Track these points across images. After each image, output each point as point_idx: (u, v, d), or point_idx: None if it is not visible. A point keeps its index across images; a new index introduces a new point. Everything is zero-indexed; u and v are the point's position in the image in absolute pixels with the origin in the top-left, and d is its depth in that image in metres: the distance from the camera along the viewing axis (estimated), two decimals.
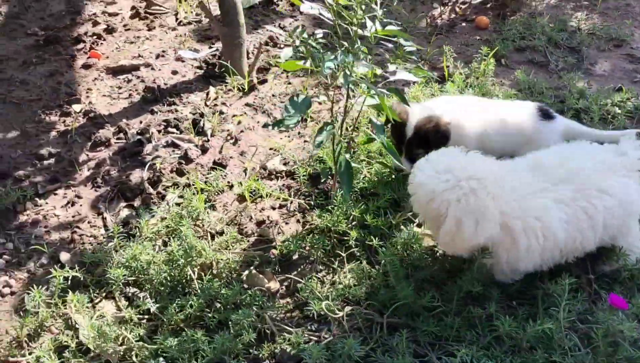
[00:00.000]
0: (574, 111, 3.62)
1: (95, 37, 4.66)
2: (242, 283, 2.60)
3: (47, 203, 3.17)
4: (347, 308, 2.46)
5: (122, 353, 2.30)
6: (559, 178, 2.32)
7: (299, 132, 3.67)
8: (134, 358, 2.28)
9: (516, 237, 2.25)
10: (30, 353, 2.34)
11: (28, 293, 2.52)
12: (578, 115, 3.60)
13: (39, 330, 2.43)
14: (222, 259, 2.69)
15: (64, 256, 2.79)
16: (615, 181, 2.34)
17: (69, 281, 2.57)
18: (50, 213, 3.09)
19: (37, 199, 3.17)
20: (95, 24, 4.87)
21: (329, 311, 2.43)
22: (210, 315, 2.42)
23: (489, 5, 5.14)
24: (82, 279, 2.62)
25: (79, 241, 2.91)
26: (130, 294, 2.56)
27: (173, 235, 2.77)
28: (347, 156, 2.58)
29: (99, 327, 2.25)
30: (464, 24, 4.88)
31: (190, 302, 2.44)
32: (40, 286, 2.53)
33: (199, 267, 2.63)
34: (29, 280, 2.69)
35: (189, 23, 4.91)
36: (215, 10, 4.15)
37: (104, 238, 2.94)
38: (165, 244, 2.80)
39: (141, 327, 2.41)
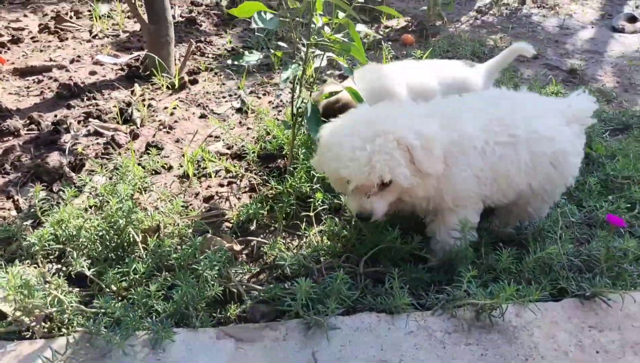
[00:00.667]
0: None
1: None
2: (197, 249, 2.18)
3: None
4: (324, 261, 2.13)
5: (49, 319, 1.78)
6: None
7: (240, 122, 3.39)
8: (66, 324, 1.77)
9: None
10: None
11: None
12: None
13: None
14: (169, 223, 2.27)
15: None
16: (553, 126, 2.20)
17: None
18: None
19: None
20: None
21: (303, 266, 2.09)
22: (161, 279, 1.98)
23: (409, 30, 5.32)
24: None
25: None
26: (55, 260, 2.05)
27: (107, 202, 2.31)
28: (310, 101, 2.35)
29: (19, 287, 1.73)
30: (390, 42, 4.99)
31: (134, 267, 1.99)
32: None
33: (142, 232, 2.19)
34: None
35: (106, 36, 4.58)
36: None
37: (16, 219, 2.40)
38: (99, 209, 2.34)
39: (73, 294, 1.90)
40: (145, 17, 3.75)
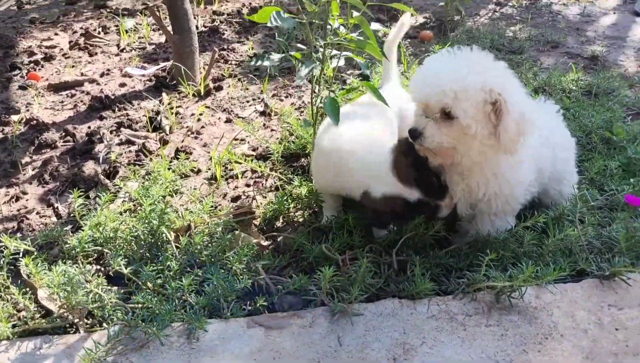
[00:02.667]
0: (532, 89, 3.71)
1: (32, 64, 4.41)
2: (226, 246, 2.29)
3: None
4: (349, 252, 2.21)
5: (91, 314, 1.91)
6: None
7: (264, 125, 3.51)
8: (107, 318, 1.90)
9: None
10: None
11: None
12: (537, 92, 3.69)
13: None
14: (200, 222, 2.39)
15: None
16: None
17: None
18: None
19: None
20: (32, 54, 4.62)
21: (327, 257, 2.17)
22: (193, 274, 2.09)
23: (428, 26, 5.37)
24: (35, 256, 2.22)
25: (28, 228, 2.52)
26: (94, 262, 2.19)
27: (140, 204, 2.44)
28: (329, 94, 2.43)
29: (63, 284, 1.87)
30: (408, 40, 5.04)
31: (168, 264, 2.11)
32: None
33: (174, 232, 2.31)
34: None
35: (133, 50, 4.77)
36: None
37: (57, 225, 2.56)
38: (133, 212, 2.47)
39: (112, 292, 2.04)
40: (170, 28, 3.91)
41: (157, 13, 3.91)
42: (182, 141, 3.28)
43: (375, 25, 2.40)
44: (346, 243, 2.30)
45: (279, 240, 2.40)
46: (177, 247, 2.24)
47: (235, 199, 2.76)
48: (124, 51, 4.74)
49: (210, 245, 2.23)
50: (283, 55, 2.49)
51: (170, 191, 2.69)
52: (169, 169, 2.92)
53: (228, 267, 2.03)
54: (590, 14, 5.68)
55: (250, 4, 5.90)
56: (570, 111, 3.28)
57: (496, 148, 1.91)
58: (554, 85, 3.69)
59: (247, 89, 4.03)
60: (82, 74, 4.22)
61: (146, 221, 2.25)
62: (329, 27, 2.41)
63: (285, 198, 2.56)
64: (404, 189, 2.00)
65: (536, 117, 1.95)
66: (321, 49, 2.40)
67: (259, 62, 2.37)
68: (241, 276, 2.00)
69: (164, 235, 2.24)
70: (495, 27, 5.29)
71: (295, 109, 3.67)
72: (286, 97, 3.88)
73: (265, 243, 2.33)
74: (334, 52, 2.43)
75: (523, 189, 2.16)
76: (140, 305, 1.93)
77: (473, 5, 5.99)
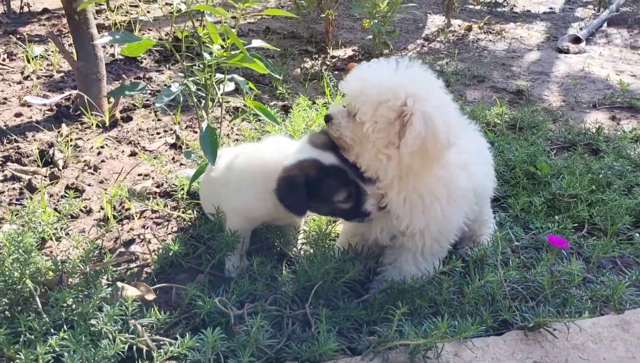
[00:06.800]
0: None
1: None
2: (105, 301, 1.95)
3: None
4: (248, 306, 1.92)
5: None
6: None
7: (173, 158, 3.20)
8: None
9: None
10: None
11: None
12: None
13: None
14: (76, 272, 2.04)
15: None
16: None
17: None
18: None
19: None
20: None
21: (221, 313, 1.87)
22: (58, 338, 1.73)
23: (356, 59, 5.26)
24: None
25: None
26: None
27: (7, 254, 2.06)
28: (208, 123, 2.17)
29: None
30: (336, 72, 4.90)
31: (29, 325, 1.75)
32: None
33: (44, 285, 1.95)
34: None
35: (38, 78, 4.37)
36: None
37: None
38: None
39: None
40: (75, 55, 3.58)
41: (60, 38, 3.57)
42: (77, 177, 2.92)
43: (257, 42, 2.19)
44: (248, 292, 2.02)
45: (171, 291, 2.08)
46: (43, 304, 1.88)
47: (128, 243, 2.42)
48: (28, 78, 4.34)
49: (83, 300, 1.89)
50: (178, 89, 2.22)
51: (49, 235, 2.33)
52: (54, 209, 2.57)
53: (99, 328, 1.69)
54: (516, 50, 5.76)
55: (174, 33, 5.62)
56: (494, 145, 3.17)
57: (395, 161, 1.75)
58: (478, 118, 3.59)
59: (160, 120, 3.72)
60: None
61: (7, 272, 1.88)
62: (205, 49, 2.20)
63: (184, 241, 2.25)
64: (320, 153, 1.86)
65: (459, 136, 1.78)
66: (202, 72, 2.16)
67: (160, 102, 2.08)
68: (112, 340, 1.66)
69: (28, 289, 1.88)
70: (423, 61, 5.24)
71: None
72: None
73: (151, 297, 2.01)
74: (219, 75, 2.19)
75: (457, 223, 1.95)
76: None
77: (402, 40, 5.98)
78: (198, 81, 2.21)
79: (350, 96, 1.83)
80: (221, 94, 2.25)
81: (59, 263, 2.02)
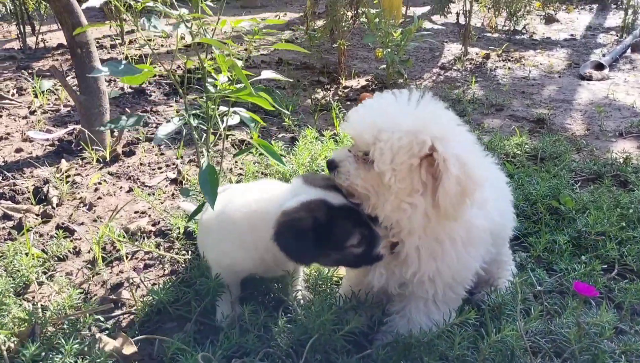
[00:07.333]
0: None
1: None
2: (82, 354, 1.78)
3: None
4: (237, 362, 1.73)
5: None
6: None
7: (172, 194, 3.06)
8: None
9: None
10: None
11: None
12: None
13: None
14: (50, 321, 1.87)
15: None
16: None
17: None
18: None
19: None
20: None
21: None
22: None
23: (370, 89, 5.12)
24: None
25: None
26: None
27: None
28: (208, 160, 2.01)
29: None
30: (348, 102, 4.76)
31: None
32: None
33: (16, 336, 1.79)
34: None
35: (44, 112, 4.32)
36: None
37: None
38: None
39: None
40: (77, 88, 3.50)
41: (62, 71, 3.50)
42: (70, 216, 2.79)
43: (267, 73, 2.04)
44: (238, 345, 1.82)
45: (155, 343, 1.90)
46: (11, 358, 1.71)
47: (115, 287, 2.26)
48: (34, 113, 4.29)
49: (54, 357, 1.71)
50: (177, 124, 2.07)
51: (31, 279, 2.17)
52: (42, 250, 2.43)
53: None
54: (536, 78, 5.57)
55: (185, 64, 5.57)
56: (513, 178, 2.95)
57: (421, 210, 1.54)
58: (496, 149, 3.38)
59: (163, 154, 3.60)
60: None
61: None
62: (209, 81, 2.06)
63: (174, 285, 2.08)
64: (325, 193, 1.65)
65: (485, 172, 1.58)
66: (205, 105, 2.01)
67: (158, 139, 1.93)
68: None
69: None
70: (439, 89, 5.08)
71: None
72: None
73: (131, 350, 1.82)
74: (222, 108, 2.04)
75: (474, 267, 1.75)
76: None
77: (417, 69, 5.84)
78: (201, 114, 2.06)
79: (358, 140, 1.62)
80: (224, 128, 2.10)
81: (32, 313, 1.86)
